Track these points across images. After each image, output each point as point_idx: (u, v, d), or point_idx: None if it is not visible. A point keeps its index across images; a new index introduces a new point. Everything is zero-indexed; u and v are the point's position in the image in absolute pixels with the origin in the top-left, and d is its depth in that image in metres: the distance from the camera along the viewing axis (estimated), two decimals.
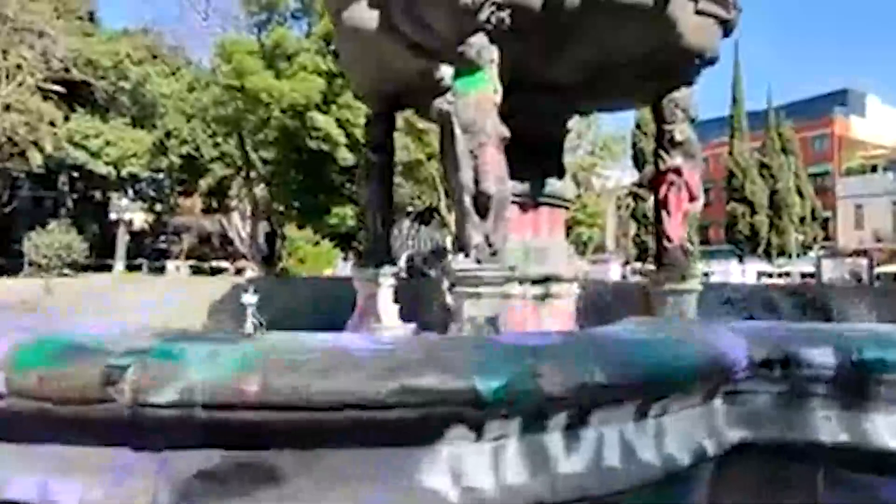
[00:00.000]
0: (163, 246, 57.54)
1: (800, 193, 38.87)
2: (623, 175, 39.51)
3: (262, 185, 33.46)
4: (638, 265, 39.53)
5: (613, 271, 47.13)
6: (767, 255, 36.91)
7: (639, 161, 34.15)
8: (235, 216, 40.62)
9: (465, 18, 4.44)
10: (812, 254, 42.13)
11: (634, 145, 34.10)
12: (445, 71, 4.77)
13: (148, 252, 53.41)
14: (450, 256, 4.54)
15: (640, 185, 34.05)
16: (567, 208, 6.23)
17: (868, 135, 51.28)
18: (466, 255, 4.45)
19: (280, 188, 29.74)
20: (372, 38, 5.29)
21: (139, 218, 54.79)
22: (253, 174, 32.11)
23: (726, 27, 5.66)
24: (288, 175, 28.36)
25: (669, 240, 5.77)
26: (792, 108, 44.72)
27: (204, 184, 37.03)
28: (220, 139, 31.93)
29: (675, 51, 5.30)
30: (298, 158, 27.14)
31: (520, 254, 5.69)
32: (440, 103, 4.52)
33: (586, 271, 6.05)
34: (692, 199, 5.84)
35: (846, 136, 50.20)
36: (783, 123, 39.62)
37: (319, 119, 24.03)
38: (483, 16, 4.43)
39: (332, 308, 7.63)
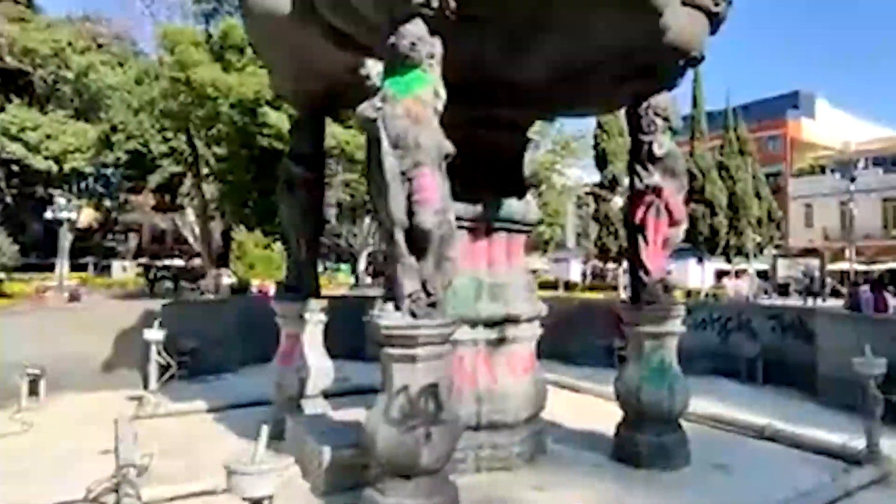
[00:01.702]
0: (112, 244, 55.06)
1: (757, 195, 39.13)
2: (584, 173, 39.16)
3: (215, 183, 31.82)
4: (598, 263, 39.34)
5: (574, 270, 46.98)
6: (726, 256, 37.00)
7: (601, 162, 33.60)
8: (189, 213, 38.77)
9: (395, 1, 3.42)
10: (767, 252, 42.78)
11: (596, 146, 33.55)
12: (372, 67, 3.75)
13: (96, 250, 50.98)
14: (376, 308, 3.52)
15: (601, 185, 33.56)
16: (528, 233, 5.26)
17: (818, 137, 52.78)
18: (397, 308, 3.44)
19: (231, 187, 28.18)
20: (287, 25, 4.23)
21: (86, 215, 52.06)
22: (205, 171, 30.43)
23: (713, 21, 4.80)
24: (239, 173, 26.83)
25: (647, 272, 4.88)
26: (746, 109, 45.23)
27: (153, 180, 35.07)
28: (169, 134, 30.12)
29: (658, 47, 4.39)
30: (250, 156, 25.67)
31: (471, 291, 4.74)
32: (365, 109, 3.48)
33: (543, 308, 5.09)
34: (673, 223, 4.96)
35: (797, 138, 51.50)
36: (740, 125, 39.82)
37: (272, 116, 22.62)
38: None
39: (265, 335, 6.55)
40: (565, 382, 7.80)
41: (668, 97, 4.91)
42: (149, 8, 30.68)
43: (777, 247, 44.78)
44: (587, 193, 38.96)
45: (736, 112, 40.15)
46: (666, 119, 4.86)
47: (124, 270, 43.79)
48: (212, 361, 8.38)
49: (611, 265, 35.39)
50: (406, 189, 3.39)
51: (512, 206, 4.95)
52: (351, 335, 7.27)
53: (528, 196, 5.23)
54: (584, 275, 45.92)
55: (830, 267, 42.86)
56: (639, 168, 4.91)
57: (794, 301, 34.81)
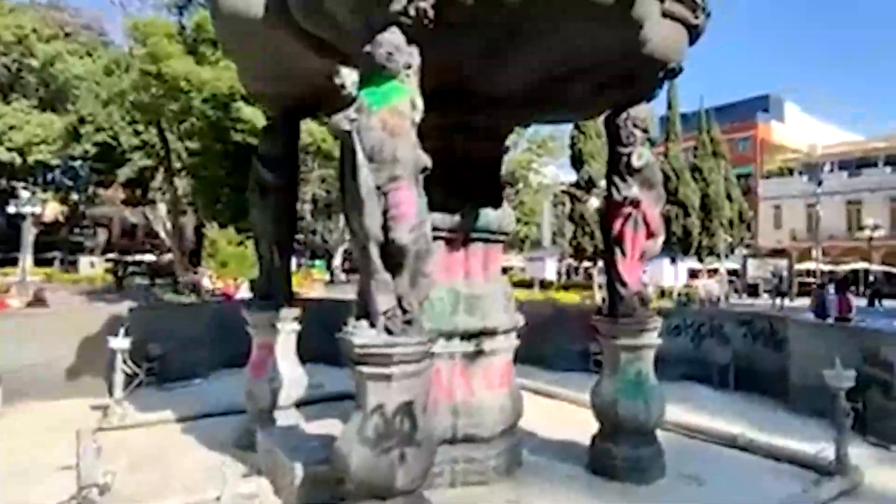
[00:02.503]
0: (79, 239, 53.65)
1: (729, 197, 39.85)
2: (559, 172, 39.39)
3: (187, 178, 31.17)
4: (573, 262, 39.61)
5: (549, 268, 47.24)
6: (698, 256, 37.64)
7: (577, 162, 33.79)
8: (161, 208, 37.97)
9: (372, 8, 3.32)
10: (738, 252, 43.72)
11: (573, 145, 33.73)
12: (347, 76, 3.64)
13: (62, 245, 49.63)
14: (350, 325, 3.41)
15: (577, 185, 33.76)
16: (504, 242, 5.20)
17: (786, 139, 54.16)
18: (372, 325, 3.34)
19: (203, 182, 27.62)
20: (259, 28, 4.09)
21: (52, 209, 50.60)
22: (177, 165, 29.77)
23: (692, 33, 4.79)
24: (212, 169, 26.30)
25: (624, 284, 4.86)
26: (718, 111, 46.07)
27: (123, 174, 34.19)
28: (140, 127, 29.38)
29: (638, 57, 4.36)
30: (223, 151, 25.17)
31: (447, 303, 4.67)
32: (339, 120, 3.37)
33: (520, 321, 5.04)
34: (651, 235, 4.96)
35: (767, 140, 52.79)
36: (713, 127, 40.50)
37: (246, 110, 22.18)
38: (397, 6, 3.31)
39: (236, 338, 6.37)
40: (541, 389, 7.78)
41: (647, 109, 4.90)
42: None
43: (747, 247, 45.77)
44: (563, 192, 39.22)
45: (709, 114, 40.83)
46: (645, 131, 4.85)
47: (92, 266, 42.63)
48: (181, 367, 8.16)
49: (586, 263, 35.65)
50: (382, 203, 3.29)
51: (489, 216, 4.88)
52: (325, 339, 7.13)
53: (505, 205, 5.17)
54: (559, 273, 46.22)
55: (798, 266, 44.00)
56: (617, 179, 4.89)
57: (763, 300, 35.58)
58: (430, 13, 3.44)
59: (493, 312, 4.77)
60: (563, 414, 6.87)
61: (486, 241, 4.93)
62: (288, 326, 5.46)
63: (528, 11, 3.63)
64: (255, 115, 22.09)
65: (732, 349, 8.52)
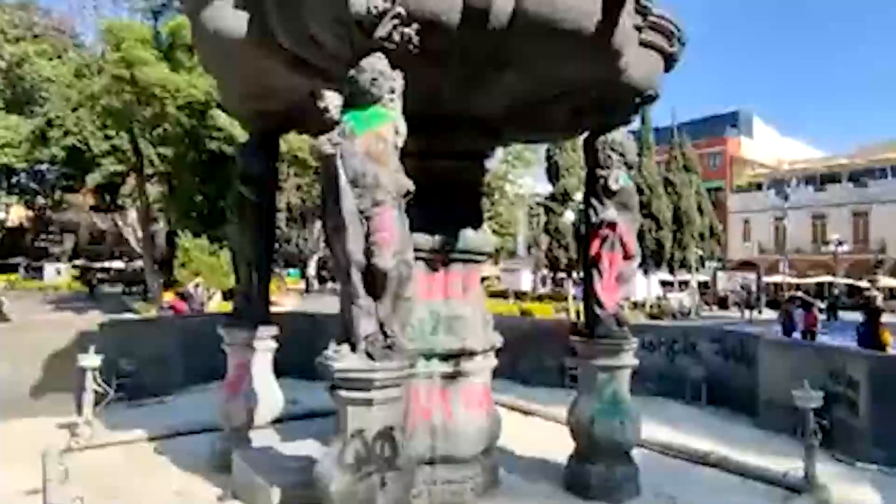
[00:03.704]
0: (45, 245, 52.20)
1: (700, 210, 40.72)
2: (535, 183, 39.79)
3: (159, 184, 30.61)
4: (548, 272, 39.93)
5: (525, 279, 47.59)
6: (670, 268, 38.32)
7: (553, 175, 34.21)
8: (132, 214, 37.19)
9: (357, 34, 3.33)
10: (709, 265, 44.64)
11: (549, 158, 34.15)
12: (331, 100, 3.63)
13: (27, 251, 48.22)
14: (331, 349, 3.40)
15: (552, 198, 34.15)
16: (482, 262, 5.24)
17: (755, 155, 55.71)
18: (353, 349, 3.33)
19: (177, 190, 27.17)
20: (241, 48, 4.07)
21: (16, 213, 49.19)
22: (149, 171, 29.21)
23: (668, 61, 4.92)
24: (185, 176, 25.89)
25: (602, 305, 4.93)
26: (689, 126, 47.23)
27: (93, 179, 33.36)
28: (111, 132, 28.72)
29: (617, 84, 4.46)
30: (197, 159, 24.83)
31: (427, 324, 4.68)
32: (322, 144, 3.37)
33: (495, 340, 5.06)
34: (627, 256, 5.04)
35: (737, 155, 54.24)
36: (685, 142, 41.43)
37: (222, 118, 21.94)
38: (382, 31, 3.34)
39: (210, 352, 6.27)
40: (518, 405, 7.82)
41: (624, 133, 5.00)
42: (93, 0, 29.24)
43: (718, 260, 46.76)
44: (538, 204, 39.58)
45: (681, 130, 41.74)
46: (622, 155, 4.94)
47: (58, 273, 41.45)
48: (152, 383, 7.98)
49: (561, 275, 36.01)
50: (364, 229, 3.30)
51: (469, 237, 4.92)
52: (299, 352, 7.09)
53: (485, 226, 5.22)
54: (534, 283, 46.56)
55: (766, 279, 45.11)
56: (594, 202, 4.96)
57: (732, 312, 36.33)
58: (415, 39, 3.47)
59: (472, 333, 4.79)
60: (540, 431, 6.91)
61: (466, 261, 4.96)
62: (264, 345, 5.40)
63: (510, 39, 3.69)
64: (230, 123, 21.85)
65: (705, 365, 8.68)
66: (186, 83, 21.87)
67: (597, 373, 4.94)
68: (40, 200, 44.44)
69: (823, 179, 49.31)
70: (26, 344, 7.31)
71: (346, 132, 3.36)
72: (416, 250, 3.94)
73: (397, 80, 3.44)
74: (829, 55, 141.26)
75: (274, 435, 5.59)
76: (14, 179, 41.74)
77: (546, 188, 37.22)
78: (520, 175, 35.32)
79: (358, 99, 3.40)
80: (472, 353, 4.75)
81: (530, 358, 9.56)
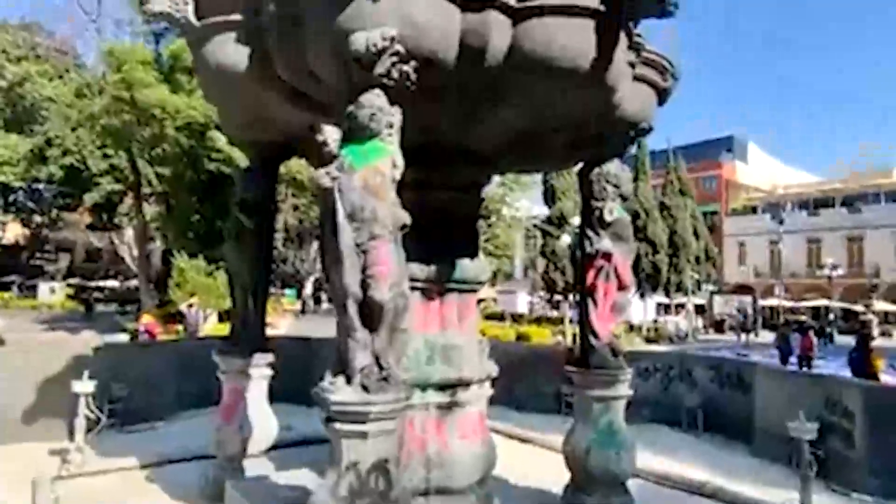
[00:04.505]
0: (40, 263, 51.94)
1: (696, 234, 40.91)
2: (532, 205, 39.95)
3: (157, 204, 30.66)
4: (545, 295, 39.89)
5: (521, 301, 47.53)
6: (666, 292, 38.39)
7: (549, 198, 34.39)
8: (129, 233, 37.16)
9: (356, 71, 3.40)
10: (705, 289, 44.73)
11: (546, 181, 34.36)
12: (330, 133, 3.69)
13: (22, 269, 47.98)
14: (326, 380, 3.41)
15: (549, 221, 34.29)
16: (478, 291, 5.26)
17: (750, 179, 56.25)
18: (349, 382, 3.34)
19: (174, 209, 27.22)
20: (243, 82, 4.15)
21: (12, 231, 49.11)
22: (147, 190, 29.28)
23: (661, 95, 5.01)
24: (183, 196, 25.97)
25: (596, 335, 4.95)
26: (685, 150, 47.73)
27: (90, 198, 33.40)
28: (110, 151, 28.83)
29: (611, 118, 4.54)
30: (195, 179, 24.93)
31: (423, 354, 4.68)
32: (321, 177, 3.42)
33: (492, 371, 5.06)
34: (622, 287, 5.08)
35: (732, 180, 54.72)
36: (680, 166, 41.79)
37: (220, 139, 22.09)
38: (381, 69, 3.41)
39: (203, 377, 6.24)
40: (514, 432, 7.78)
41: (618, 165, 5.06)
42: (94, 23, 29.56)
43: (714, 283, 46.83)
44: (535, 226, 39.72)
45: (676, 154, 42.09)
46: (616, 186, 5.00)
47: (52, 292, 41.15)
48: (145, 408, 7.92)
49: (557, 297, 35.99)
50: (361, 262, 3.33)
51: (465, 266, 4.94)
52: (296, 377, 7.09)
53: (481, 255, 5.26)
54: (531, 305, 46.48)
55: (762, 302, 45.19)
56: (590, 232, 5.01)
57: (729, 336, 36.34)
58: (413, 76, 3.54)
59: (468, 363, 4.79)
60: (536, 459, 6.87)
61: (462, 291, 4.99)
62: (260, 372, 5.39)
63: (506, 76, 3.77)
64: (229, 145, 21.98)
65: (700, 393, 8.68)
66: (186, 105, 22.06)
67: (592, 403, 4.95)
68: (37, 219, 44.44)
69: (817, 204, 49.74)
70: (19, 367, 7.26)
71: (344, 166, 3.41)
72: (411, 280, 3.98)
73: (395, 115, 3.50)
74: (823, 82, 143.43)
75: (268, 463, 5.54)
76: (11, 198, 41.75)
77: (543, 211, 37.36)
78: (517, 198, 35.50)
79: (356, 133, 3.46)
80: (467, 383, 4.74)
81: (526, 384, 9.54)
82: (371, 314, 3.35)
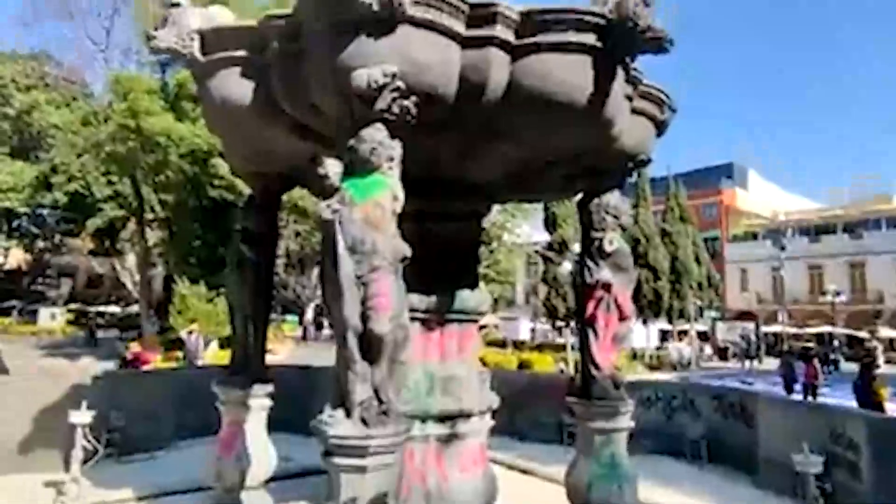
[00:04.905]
0: (41, 288, 51.92)
1: (697, 261, 40.88)
2: (533, 231, 40.04)
3: (159, 229, 30.83)
4: (546, 322, 39.68)
5: (523, 328, 47.27)
6: (668, 318, 38.21)
7: (550, 225, 34.49)
8: (130, 259, 37.27)
9: (357, 106, 3.47)
10: (707, 315, 44.52)
11: (546, 208, 34.49)
12: (331, 168, 3.74)
13: (23, 295, 47.90)
14: (325, 413, 3.39)
15: (550, 247, 34.32)
16: (480, 326, 5.27)
17: (750, 205, 56.42)
18: (348, 415, 3.32)
19: (176, 236, 27.37)
20: (247, 115, 4.22)
21: (15, 256, 49.25)
22: (150, 216, 29.47)
23: (659, 128, 5.08)
24: (186, 222, 26.14)
25: (598, 366, 4.93)
26: (685, 177, 47.99)
27: (93, 224, 33.58)
28: (114, 178, 29.08)
29: (609, 151, 4.59)
30: (198, 205, 25.11)
31: (422, 385, 4.67)
32: (322, 210, 3.46)
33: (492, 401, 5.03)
34: (623, 317, 5.07)
35: (732, 206, 54.87)
36: (680, 193, 41.99)
37: (223, 166, 22.26)
38: (381, 104, 3.47)
39: (203, 405, 6.17)
40: (515, 463, 7.69)
41: (618, 196, 5.10)
42: (103, 52, 30.11)
43: (716, 309, 46.61)
44: (536, 252, 39.74)
45: (676, 181, 42.30)
46: (616, 217, 5.03)
47: (53, 318, 41.00)
48: (143, 437, 7.81)
49: (559, 324, 35.81)
50: (361, 294, 3.34)
51: (465, 297, 4.95)
52: (296, 406, 7.02)
53: (481, 285, 5.27)
54: (532, 331, 46.21)
55: (765, 329, 44.90)
56: (590, 263, 5.02)
57: (733, 363, 36.05)
58: (413, 111, 3.61)
59: (468, 394, 4.77)
60: (538, 491, 6.78)
61: (462, 321, 4.99)
62: (259, 403, 5.36)
63: (505, 111, 3.83)
64: (232, 172, 22.11)
65: (704, 423, 8.58)
66: (190, 132, 22.33)
67: (594, 435, 4.90)
68: (40, 244, 44.62)
69: (818, 230, 49.79)
70: (17, 397, 7.21)
71: (345, 199, 3.45)
72: (411, 310, 4.00)
73: (396, 149, 3.55)
74: (821, 110, 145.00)
75: (267, 496, 5.47)
76: (15, 223, 42.01)
77: (544, 237, 37.42)
78: (518, 224, 35.58)
79: (358, 167, 3.50)
80: (468, 415, 4.71)
81: (528, 414, 9.44)
82: (371, 346, 3.35)
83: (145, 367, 15.47)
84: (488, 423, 5.02)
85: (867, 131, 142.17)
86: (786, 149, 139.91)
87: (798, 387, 17.66)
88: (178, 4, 4.17)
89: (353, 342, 3.35)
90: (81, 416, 5.95)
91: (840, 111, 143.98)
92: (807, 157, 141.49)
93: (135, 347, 17.21)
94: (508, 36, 3.71)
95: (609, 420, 4.86)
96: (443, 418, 4.62)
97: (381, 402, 3.37)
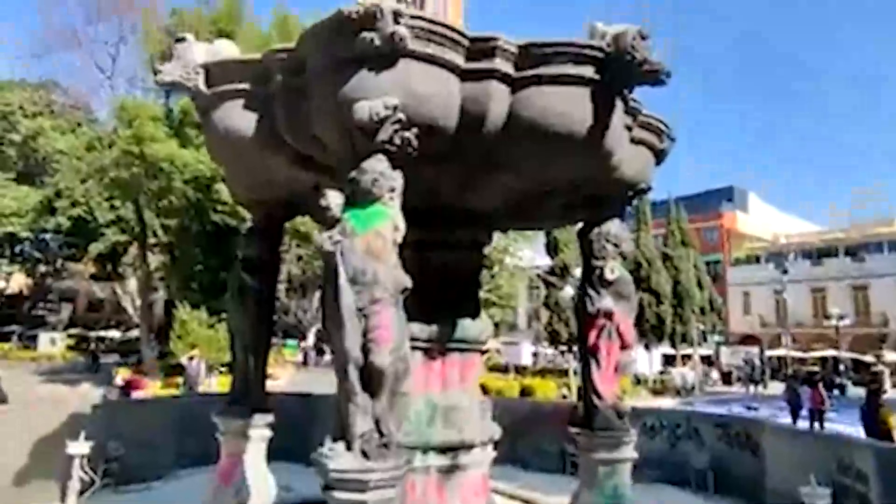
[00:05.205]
0: (42, 313, 51.74)
1: (699, 284, 40.76)
2: (535, 255, 40.04)
3: (161, 254, 30.90)
4: (548, 346, 39.42)
5: (525, 352, 46.93)
6: (672, 342, 37.97)
7: (551, 249, 34.53)
8: (132, 283, 37.28)
9: (359, 138, 3.50)
10: (710, 339, 44.21)
11: (548, 233, 34.55)
12: (333, 199, 3.76)
13: (23, 319, 47.73)
14: (325, 446, 3.36)
15: (552, 272, 34.30)
16: (482, 351, 5.24)
17: (751, 228, 56.46)
18: (349, 448, 3.29)
19: (179, 260, 27.44)
20: (249, 144, 4.26)
21: (16, 281, 49.25)
22: (152, 241, 29.58)
23: (659, 156, 5.12)
24: (188, 247, 26.23)
25: (600, 396, 4.88)
26: (686, 201, 48.15)
27: (96, 248, 33.67)
28: (117, 202, 29.26)
29: (609, 181, 4.62)
30: (200, 230, 25.22)
31: (424, 415, 4.63)
32: (323, 241, 3.47)
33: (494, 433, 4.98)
34: (625, 346, 5.04)
35: (733, 229, 54.90)
36: (681, 216, 42.08)
37: (226, 192, 22.39)
38: (383, 136, 3.51)
39: (204, 433, 6.10)
40: (517, 494, 7.55)
41: (618, 224, 5.12)
42: (109, 80, 30.54)
43: (720, 333, 46.30)
44: (538, 276, 39.69)
45: (677, 205, 42.39)
46: (617, 245, 5.04)
47: (53, 343, 40.81)
48: (141, 467, 7.70)
49: (562, 347, 35.61)
50: (362, 326, 3.33)
51: (466, 326, 4.94)
52: (296, 435, 6.96)
53: (483, 314, 5.25)
54: (534, 355, 45.86)
55: (769, 353, 44.55)
56: (591, 291, 5.01)
57: (737, 388, 35.67)
58: (414, 142, 3.64)
59: (469, 424, 4.72)
60: None
61: (464, 350, 4.96)
62: (259, 433, 5.30)
63: (505, 142, 3.87)
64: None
65: (709, 452, 8.46)
66: (194, 158, 22.53)
67: (597, 466, 4.83)
68: (41, 268, 44.68)
69: (820, 253, 49.72)
70: (15, 425, 7.13)
71: (346, 230, 3.46)
72: (413, 340, 3.97)
73: (397, 179, 3.58)
74: (823, 132, 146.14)
75: None
76: (18, 248, 42.13)
77: (545, 261, 37.43)
78: (519, 248, 35.61)
79: (359, 198, 3.52)
80: (469, 446, 4.66)
81: (530, 442, 9.33)
82: (372, 379, 3.33)
83: (137, 394, 15.31)
84: (490, 454, 4.96)
85: (867, 153, 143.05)
86: (784, 170, 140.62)
87: (804, 412, 17.44)
88: (183, 39, 4.25)
89: (353, 374, 3.33)
90: (79, 448, 5.89)
91: (838, 131, 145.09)
92: (805, 178, 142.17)
93: (125, 374, 16.94)
94: (508, 68, 3.77)
95: (612, 451, 4.79)
96: (444, 449, 4.57)
97: (381, 434, 3.33)
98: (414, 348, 4.12)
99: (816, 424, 16.78)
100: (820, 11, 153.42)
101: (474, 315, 5.07)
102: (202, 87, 4.29)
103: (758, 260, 53.31)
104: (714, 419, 9.02)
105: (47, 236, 39.20)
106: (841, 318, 38.21)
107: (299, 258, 33.50)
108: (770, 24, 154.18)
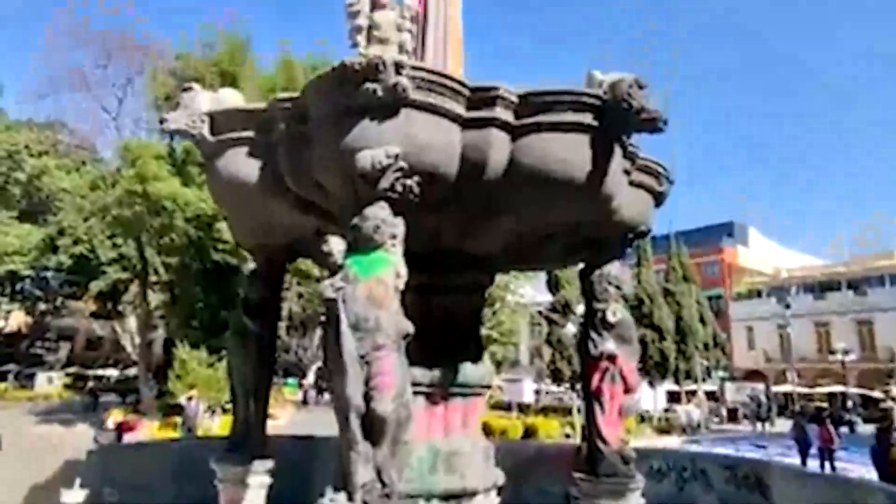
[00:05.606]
0: (40, 352, 51.23)
1: (702, 320, 40.52)
2: (535, 292, 39.90)
3: (162, 292, 30.86)
4: (551, 384, 38.92)
5: (527, 390, 46.28)
6: (675, 379, 37.54)
7: (553, 286, 34.47)
8: (131, 321, 37.08)
9: (361, 186, 3.55)
10: (715, 375, 43.70)
11: (549, 271, 34.51)
12: (335, 245, 3.80)
13: (21, 358, 47.24)
14: (327, 496, 3.30)
15: (553, 309, 34.16)
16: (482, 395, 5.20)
17: (752, 263, 56.45)
18: (350, 498, 3.23)
19: (179, 298, 27.40)
20: (252, 190, 4.32)
21: (15, 319, 49.00)
22: (153, 279, 29.57)
23: (658, 199, 5.17)
24: (188, 285, 26.22)
25: (605, 441, 4.81)
26: (686, 235, 48.29)
27: (96, 286, 33.56)
28: (119, 240, 29.36)
29: (609, 224, 4.66)
30: (201, 269, 25.26)
31: (426, 461, 4.55)
32: (325, 288, 3.48)
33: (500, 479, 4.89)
34: (628, 389, 4.99)
35: (734, 264, 54.90)
36: (682, 252, 42.12)
37: (227, 231, 22.56)
38: (385, 184, 3.56)
39: (202, 478, 5.97)
40: None
41: (619, 266, 5.13)
42: (115, 121, 31.05)
43: (724, 369, 45.78)
44: (539, 313, 39.48)
45: (678, 239, 42.50)
46: (618, 287, 5.04)
47: (50, 382, 40.33)
48: None
49: (565, 386, 35.17)
50: (364, 373, 3.32)
51: (468, 370, 4.90)
52: (296, 479, 6.79)
53: (485, 357, 5.23)
54: (537, 393, 45.25)
55: (775, 389, 43.94)
56: (593, 334, 4.99)
57: (743, 426, 35.09)
58: (415, 189, 3.69)
59: (472, 470, 4.63)
60: None
61: (466, 395, 4.92)
62: (259, 480, 5.21)
63: (505, 188, 3.92)
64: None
65: (717, 494, 8.27)
66: (196, 197, 22.72)
67: None
68: (41, 306, 44.50)
69: (822, 287, 49.57)
70: (10, 472, 7.02)
71: (349, 277, 3.48)
72: (415, 385, 3.95)
73: (399, 226, 3.61)
74: (821, 167, 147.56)
75: None
76: (19, 286, 42.07)
77: (547, 297, 37.29)
78: (521, 285, 35.53)
79: (361, 244, 3.55)
80: (473, 493, 4.57)
81: (533, 484, 9.10)
82: (373, 427, 3.30)
83: (130, 437, 14.98)
84: (494, 501, 4.86)
85: (865, 185, 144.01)
86: (782, 203, 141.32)
87: (813, 451, 17.09)
88: (190, 89, 4.35)
89: (355, 423, 3.30)
90: (73, 496, 5.78)
91: (836, 164, 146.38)
92: (803, 211, 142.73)
93: (118, 415, 16.59)
94: (508, 117, 3.85)
95: (618, 499, 4.69)
96: (447, 497, 4.48)
97: (383, 484, 3.28)
98: (416, 393, 4.09)
99: (827, 464, 16.45)
100: (820, 10, 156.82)
101: (476, 358, 5.04)
102: (207, 134, 4.37)
103: (759, 294, 53.12)
104: (721, 460, 8.85)
105: (48, 274, 39.18)
106: (846, 352, 37.83)
107: (300, 296, 33.40)
108: (774, 38, 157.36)
